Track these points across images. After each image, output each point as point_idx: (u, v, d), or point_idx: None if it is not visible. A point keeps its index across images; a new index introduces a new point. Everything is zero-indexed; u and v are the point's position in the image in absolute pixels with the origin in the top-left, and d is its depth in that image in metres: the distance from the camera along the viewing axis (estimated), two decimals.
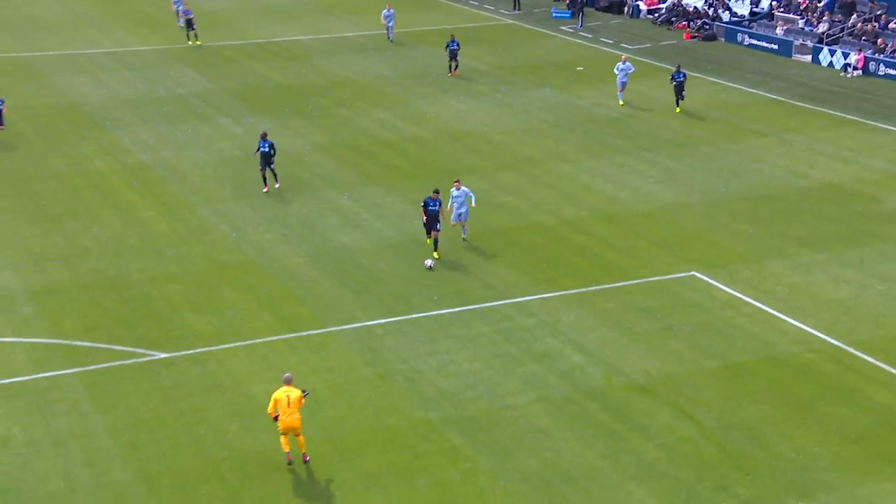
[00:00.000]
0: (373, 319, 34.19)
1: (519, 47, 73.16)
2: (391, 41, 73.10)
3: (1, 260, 38.64)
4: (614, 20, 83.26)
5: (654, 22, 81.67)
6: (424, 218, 38.31)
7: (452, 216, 39.16)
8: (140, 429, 28.29)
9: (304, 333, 33.33)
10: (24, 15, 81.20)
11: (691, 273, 37.48)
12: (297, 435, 26.21)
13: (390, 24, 73.63)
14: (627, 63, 58.02)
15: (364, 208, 43.85)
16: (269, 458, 26.91)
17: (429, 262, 37.67)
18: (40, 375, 30.90)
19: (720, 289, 36.25)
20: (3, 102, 50.90)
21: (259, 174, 45.26)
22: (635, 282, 36.82)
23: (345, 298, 35.68)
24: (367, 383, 30.51)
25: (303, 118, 56.43)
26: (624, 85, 57.97)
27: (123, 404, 29.40)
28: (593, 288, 36.36)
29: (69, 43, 72.84)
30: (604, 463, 26.70)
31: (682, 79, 56.46)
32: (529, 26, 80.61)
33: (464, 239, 39.58)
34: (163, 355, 32.06)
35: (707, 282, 36.78)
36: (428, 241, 38.74)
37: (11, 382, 30.54)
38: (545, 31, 79.06)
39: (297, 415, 25.79)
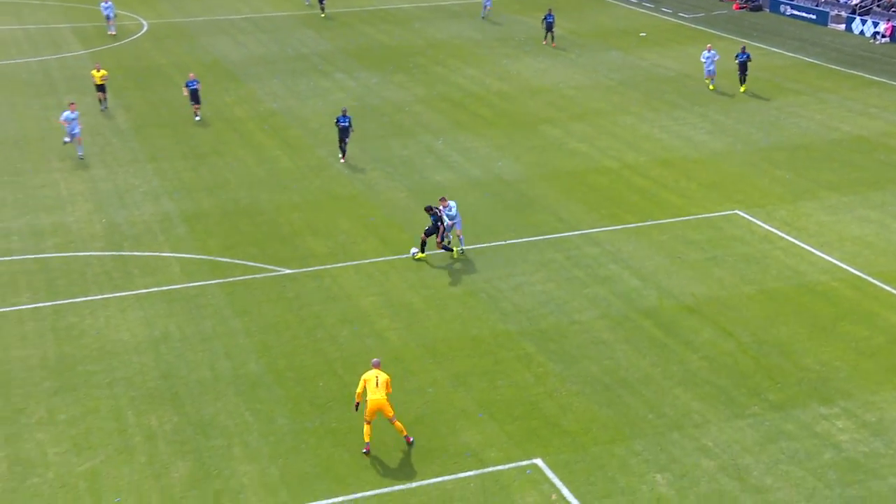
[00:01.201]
0: (461, 245, 34.32)
1: (590, 15, 72.09)
2: (483, 18, 70.48)
3: (160, 189, 39.36)
4: None
5: None
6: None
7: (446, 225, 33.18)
8: (269, 331, 28.85)
9: (404, 255, 33.52)
10: None
11: (734, 211, 37.02)
12: (392, 420, 23.11)
13: (488, 5, 70.36)
14: (713, 51, 53.09)
15: (455, 151, 43.82)
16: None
17: (414, 251, 33.27)
18: (191, 284, 31.55)
19: (759, 225, 35.80)
20: (198, 82, 47.94)
21: (337, 146, 42.90)
22: (686, 218, 36.48)
23: None
24: (456, 299, 30.71)
25: (405, 74, 56.33)
26: (711, 73, 52.51)
27: (256, 310, 29.97)
28: (650, 223, 36.10)
29: (215, 10, 73.22)
30: (655, 371, 26.72)
31: (745, 59, 52.16)
32: None
33: (462, 251, 33.56)
34: (287, 271, 32.53)
35: (748, 219, 36.33)
36: (420, 255, 33.15)
37: (169, 289, 31.23)
38: (613, 1, 77.72)
39: (384, 396, 22.67)
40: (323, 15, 70.38)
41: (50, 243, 34.50)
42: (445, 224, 32.97)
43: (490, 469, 22.88)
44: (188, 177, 40.70)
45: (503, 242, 34.51)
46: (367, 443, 23.13)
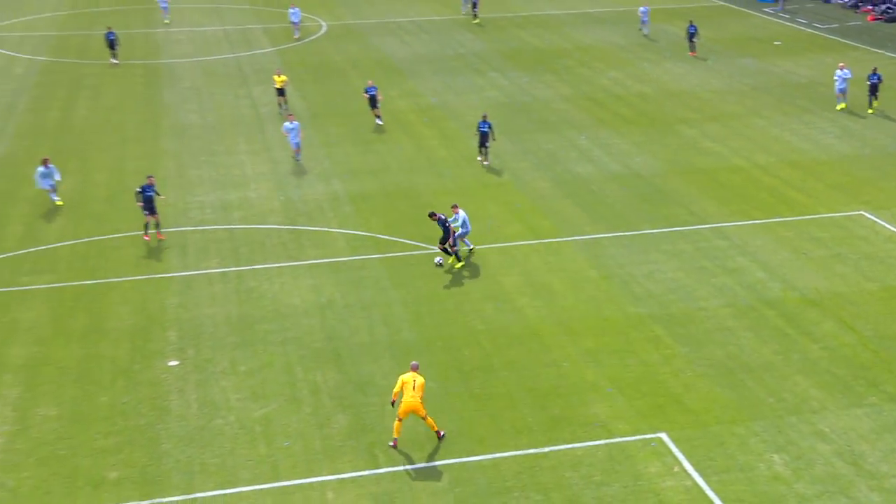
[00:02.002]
0: (599, 233, 33.88)
1: (727, 24, 69.92)
2: (645, 35, 65.25)
3: (331, 171, 40.03)
4: (809, 3, 78.16)
5: (843, 6, 76.43)
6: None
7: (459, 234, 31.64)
8: (422, 303, 29.06)
9: (545, 240, 33.30)
10: None
11: (859, 212, 35.43)
12: (424, 417, 22.04)
13: (645, 20, 65.26)
14: (846, 70, 47.64)
15: (596, 146, 43.23)
16: (514, 333, 27.22)
17: (439, 259, 31.55)
18: (354, 258, 32.00)
19: (884, 226, 34.18)
20: (376, 89, 45.79)
21: (477, 149, 41.52)
22: (812, 217, 35.11)
23: (578, 216, 35.45)
24: (592, 282, 30.36)
25: (553, 74, 55.81)
26: (843, 91, 47.80)
27: (411, 284, 30.23)
28: (777, 219, 34.90)
29: (385, 13, 73.91)
30: (776, 358, 25.86)
31: (876, 80, 46.97)
32: (737, 7, 76.74)
33: (470, 251, 32.14)
34: (439, 249, 32.68)
35: (873, 220, 34.72)
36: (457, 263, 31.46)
37: (335, 261, 31.77)
38: (750, 11, 75.20)
39: (418, 398, 21.70)
40: (476, 21, 70.05)
41: (236, 216, 35.57)
42: (458, 232, 31.42)
43: (617, 440, 22.57)
44: (356, 161, 41.29)
45: (638, 232, 33.92)
46: (396, 438, 22.17)
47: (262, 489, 20.97)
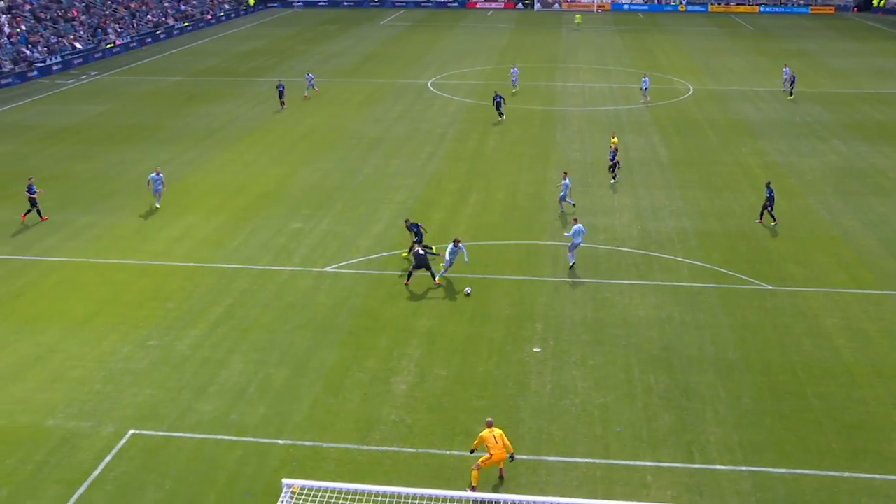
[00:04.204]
0: None
1: None
2: None
3: (683, 210, 38.90)
4: None
5: None
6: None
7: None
8: (747, 330, 27.60)
9: (867, 291, 30.27)
10: (722, 64, 79.83)
11: None
12: (500, 462, 20.03)
13: None
14: None
15: None
16: (828, 368, 25.04)
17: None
18: (693, 284, 31.05)
19: None
20: (616, 153, 42.40)
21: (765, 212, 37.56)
22: None
23: None
24: None
25: (891, 146, 50.03)
26: None
27: (740, 313, 28.80)
28: None
29: (746, 82, 70.51)
30: None
31: None
32: None
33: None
34: (769, 287, 30.80)
35: None
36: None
37: (677, 285, 31.00)
38: None
39: (503, 448, 19.54)
40: (791, 98, 63.46)
41: (601, 238, 35.80)
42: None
43: None
44: (704, 203, 39.92)
45: None
46: (475, 486, 19.65)
47: (593, 462, 21.10)
